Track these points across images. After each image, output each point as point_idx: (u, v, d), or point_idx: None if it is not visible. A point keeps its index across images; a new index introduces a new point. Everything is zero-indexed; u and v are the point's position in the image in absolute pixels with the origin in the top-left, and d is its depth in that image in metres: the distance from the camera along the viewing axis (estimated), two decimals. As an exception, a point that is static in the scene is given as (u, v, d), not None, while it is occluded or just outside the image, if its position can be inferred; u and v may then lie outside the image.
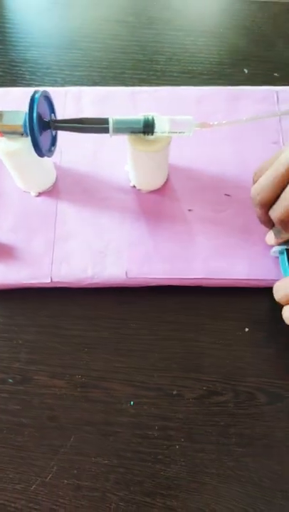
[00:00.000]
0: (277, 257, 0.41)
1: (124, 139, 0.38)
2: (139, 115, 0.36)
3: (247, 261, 0.41)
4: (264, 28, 0.55)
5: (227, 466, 0.36)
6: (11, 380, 0.39)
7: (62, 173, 0.45)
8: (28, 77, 0.51)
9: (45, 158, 0.40)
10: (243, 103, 0.48)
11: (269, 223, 0.39)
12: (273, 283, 0.36)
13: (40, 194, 0.44)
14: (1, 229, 0.42)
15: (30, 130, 0.34)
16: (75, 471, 0.36)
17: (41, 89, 0.36)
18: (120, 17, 0.55)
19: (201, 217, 0.43)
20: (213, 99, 0.48)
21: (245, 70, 0.52)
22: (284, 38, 0.54)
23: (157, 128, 0.36)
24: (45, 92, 0.36)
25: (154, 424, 0.37)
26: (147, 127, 0.35)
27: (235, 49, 0.53)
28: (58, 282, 0.41)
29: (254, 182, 0.38)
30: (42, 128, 0.35)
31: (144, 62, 0.52)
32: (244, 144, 0.46)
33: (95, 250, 0.42)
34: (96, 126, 0.36)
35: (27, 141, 0.35)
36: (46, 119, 0.36)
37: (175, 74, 0.52)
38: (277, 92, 0.48)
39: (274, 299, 0.36)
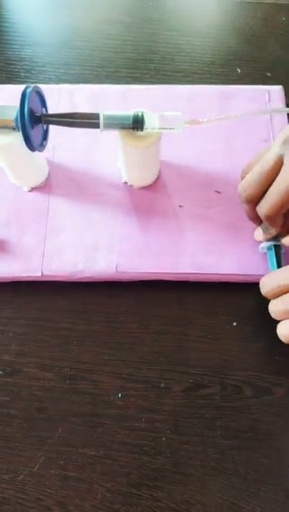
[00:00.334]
0: (266, 253, 0.41)
1: (116, 136, 0.38)
2: (129, 111, 0.37)
3: (235, 256, 0.41)
4: (256, 28, 0.55)
5: (212, 458, 0.36)
6: (0, 372, 0.39)
7: (55, 168, 0.45)
8: (23, 75, 0.52)
9: (38, 153, 0.40)
10: (235, 101, 0.48)
11: (257, 219, 0.39)
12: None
13: (32, 189, 0.44)
14: (-6, 223, 0.43)
15: (21, 124, 0.34)
16: (62, 462, 0.37)
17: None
18: (115, 17, 0.55)
19: (191, 213, 0.43)
20: (205, 98, 0.48)
21: (238, 70, 0.53)
22: (276, 38, 0.55)
23: (147, 124, 0.36)
24: (36, 87, 0.36)
25: (141, 416, 0.38)
26: (136, 123, 0.36)
27: (228, 49, 0.54)
28: (48, 276, 0.41)
29: (242, 179, 0.38)
30: (33, 122, 0.36)
31: (137, 61, 0.53)
32: (235, 143, 0.46)
33: (86, 245, 0.42)
34: (87, 121, 0.36)
35: (19, 136, 0.36)
36: (38, 113, 0.37)
37: (168, 73, 0.52)
38: (268, 91, 0.49)
39: (262, 294, 0.37)
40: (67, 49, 0.53)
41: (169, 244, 0.42)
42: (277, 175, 0.35)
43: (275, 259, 0.39)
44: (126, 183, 0.44)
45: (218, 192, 0.44)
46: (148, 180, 0.44)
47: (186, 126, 0.37)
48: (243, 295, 0.42)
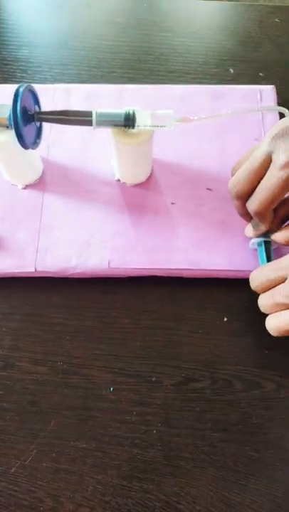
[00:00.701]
0: (256, 249, 0.42)
1: (110, 135, 0.39)
2: (121, 109, 0.37)
3: (226, 253, 0.42)
4: (250, 29, 0.56)
5: (202, 451, 0.37)
6: (-6, 366, 0.40)
7: (49, 166, 0.46)
8: (19, 75, 0.53)
9: (32, 151, 0.41)
10: (227, 101, 0.49)
11: (247, 216, 0.40)
12: (252, 274, 0.38)
13: (27, 187, 0.45)
14: (-12, 220, 0.44)
15: (14, 122, 0.35)
16: (54, 455, 0.37)
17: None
18: (109, 18, 0.56)
19: (183, 210, 0.44)
20: (198, 97, 0.49)
21: (231, 70, 0.53)
22: (270, 39, 0.55)
23: (139, 122, 0.37)
24: (29, 86, 0.37)
25: (132, 409, 0.38)
26: (128, 120, 0.36)
27: (222, 50, 0.55)
28: (42, 272, 0.42)
29: (232, 176, 0.39)
30: (26, 121, 0.37)
31: (132, 62, 0.54)
32: (227, 141, 0.47)
33: (79, 241, 0.43)
34: (80, 118, 0.37)
35: (12, 134, 0.37)
36: (31, 112, 0.38)
37: (162, 73, 0.53)
38: (260, 91, 0.49)
39: (252, 290, 0.37)
40: (63, 49, 0.54)
41: (161, 241, 0.43)
42: (266, 171, 0.35)
43: (265, 255, 0.40)
44: (119, 180, 0.45)
45: (210, 189, 0.45)
46: (141, 177, 0.45)
47: (177, 124, 0.38)
48: (234, 291, 0.42)
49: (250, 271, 0.39)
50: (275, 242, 0.39)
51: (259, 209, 0.36)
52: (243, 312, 0.41)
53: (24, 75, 0.53)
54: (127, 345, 0.40)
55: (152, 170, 0.45)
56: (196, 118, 0.38)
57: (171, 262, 0.42)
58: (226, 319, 0.41)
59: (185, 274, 0.42)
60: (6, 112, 0.37)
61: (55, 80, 0.52)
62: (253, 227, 0.40)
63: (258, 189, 0.36)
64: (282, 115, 0.47)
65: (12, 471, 0.37)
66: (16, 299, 0.42)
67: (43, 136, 0.42)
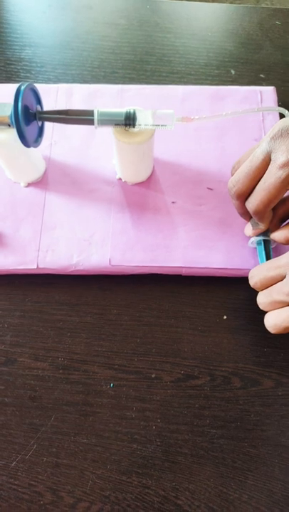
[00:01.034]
0: (255, 248, 0.42)
1: (111, 134, 0.40)
2: (122, 108, 0.38)
3: (226, 251, 0.42)
4: (251, 31, 0.57)
5: (200, 447, 0.37)
6: (-5, 362, 0.40)
7: (51, 165, 0.46)
8: (22, 75, 0.54)
9: (34, 150, 0.42)
10: (228, 101, 0.49)
11: (247, 215, 0.40)
12: (251, 272, 0.38)
13: (29, 185, 0.45)
14: (-9, 217, 0.44)
15: (15, 121, 0.36)
16: (54, 449, 0.37)
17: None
18: (112, 20, 0.57)
19: (183, 209, 0.44)
20: (199, 98, 0.49)
21: (232, 71, 0.54)
22: (270, 41, 0.56)
23: (140, 121, 0.37)
24: (30, 84, 0.37)
25: (131, 405, 0.39)
26: (128, 119, 0.37)
27: (223, 51, 0.55)
28: (43, 269, 0.42)
29: (232, 175, 0.40)
30: (28, 119, 0.37)
31: (134, 63, 0.54)
32: (227, 141, 0.48)
33: (81, 239, 0.43)
34: (81, 117, 0.38)
35: (14, 132, 0.37)
36: (33, 111, 0.38)
37: (164, 74, 0.54)
38: (261, 92, 0.50)
39: (252, 289, 0.37)
40: (66, 50, 0.55)
41: (161, 239, 0.43)
42: (265, 171, 0.36)
43: (264, 254, 0.40)
44: (120, 179, 0.46)
45: (210, 189, 0.45)
46: (142, 176, 0.45)
47: (178, 124, 0.38)
48: (233, 289, 0.43)
49: (250, 269, 0.39)
50: (274, 241, 0.40)
51: (258, 208, 0.37)
52: (242, 310, 0.42)
53: (27, 74, 0.53)
54: (127, 341, 0.41)
55: (153, 169, 0.46)
56: (196, 117, 0.39)
57: (172, 260, 0.42)
58: (225, 317, 0.42)
59: (185, 272, 0.42)
60: (8, 110, 0.37)
61: (58, 80, 0.53)
62: (252, 226, 0.40)
63: (257, 188, 0.36)
64: (282, 116, 0.48)
65: (12, 465, 0.37)
66: (18, 295, 0.43)
67: (45, 135, 0.42)
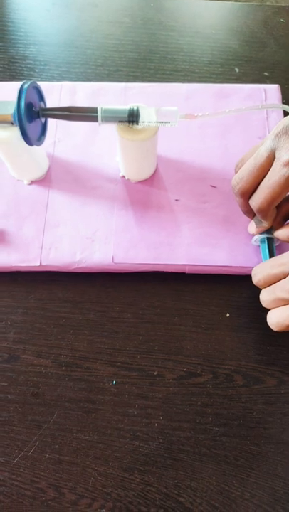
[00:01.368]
0: (259, 246, 0.42)
1: (114, 131, 0.40)
2: (126, 105, 0.38)
3: (229, 249, 0.42)
4: (255, 29, 0.56)
5: (203, 445, 0.37)
6: (-2, 358, 0.40)
7: (54, 162, 0.47)
8: (26, 73, 0.54)
9: (37, 148, 0.42)
10: (232, 99, 0.49)
11: (250, 213, 0.40)
12: (254, 270, 0.38)
13: (32, 182, 0.45)
14: (-6, 215, 0.44)
15: (18, 119, 0.36)
16: (57, 446, 0.37)
17: (39, 84, 0.37)
18: (116, 18, 0.57)
19: (187, 206, 0.44)
20: (203, 96, 0.49)
21: (236, 69, 0.54)
22: (274, 39, 0.56)
23: (143, 118, 0.37)
24: (33, 82, 0.37)
25: (134, 402, 0.39)
26: (132, 116, 0.37)
27: (227, 49, 0.55)
28: (46, 266, 0.42)
29: (236, 172, 0.39)
30: (31, 117, 0.37)
31: (138, 61, 0.54)
32: (231, 139, 0.47)
33: (84, 236, 0.43)
34: (85, 114, 0.38)
35: (17, 130, 0.37)
36: (36, 109, 0.38)
37: (168, 72, 0.54)
38: (265, 90, 0.50)
39: (255, 287, 0.37)
40: (69, 48, 0.55)
41: (164, 237, 0.43)
42: (269, 169, 0.36)
43: (267, 252, 0.40)
44: (124, 177, 0.46)
45: (214, 186, 0.45)
46: (145, 174, 0.45)
47: (181, 121, 0.38)
48: (236, 287, 0.42)
49: (253, 267, 0.39)
50: (278, 239, 0.39)
51: (262, 206, 0.37)
52: (245, 308, 0.42)
53: (31, 72, 0.53)
54: (130, 339, 0.41)
55: (157, 167, 0.46)
56: (200, 114, 0.38)
57: (175, 258, 0.42)
58: (228, 315, 0.42)
59: (188, 270, 0.42)
60: (11, 108, 0.37)
61: (61, 78, 0.53)
62: (256, 223, 0.40)
63: (260, 186, 0.36)
64: (286, 113, 0.48)
65: (15, 461, 0.37)
66: (21, 292, 0.43)
67: (49, 133, 0.42)
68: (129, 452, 0.37)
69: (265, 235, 0.40)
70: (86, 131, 0.48)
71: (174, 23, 0.57)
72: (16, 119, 0.36)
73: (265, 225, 0.39)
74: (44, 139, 0.41)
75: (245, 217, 0.41)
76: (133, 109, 0.37)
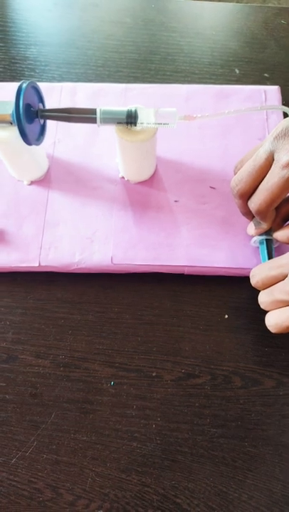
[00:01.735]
0: (258, 247, 0.42)
1: (114, 132, 0.39)
2: (124, 107, 0.38)
3: (228, 250, 0.42)
4: (256, 31, 0.56)
5: (200, 446, 0.37)
6: (-3, 359, 0.41)
7: (54, 163, 0.47)
8: (27, 73, 0.54)
9: (37, 148, 0.42)
10: (232, 101, 0.49)
11: (249, 214, 0.40)
12: (252, 272, 0.38)
13: (32, 183, 0.46)
14: (-6, 215, 0.44)
15: (16, 119, 0.36)
16: (55, 447, 0.37)
17: (39, 85, 0.37)
18: (117, 18, 0.57)
19: (186, 208, 0.44)
20: (203, 97, 0.49)
21: (237, 71, 0.54)
22: (275, 40, 0.56)
23: (142, 119, 0.37)
24: (32, 82, 0.38)
25: (132, 403, 0.39)
26: (130, 118, 0.37)
27: (228, 50, 0.55)
28: (45, 266, 0.42)
29: (235, 174, 0.39)
30: (29, 117, 0.37)
31: (138, 61, 0.54)
32: (231, 140, 0.47)
33: (83, 237, 0.43)
34: (84, 115, 0.38)
35: (15, 130, 0.37)
36: (34, 109, 0.38)
37: (168, 73, 0.54)
38: (265, 91, 0.50)
39: (253, 288, 0.37)
40: (70, 49, 0.55)
41: (163, 238, 0.43)
42: (268, 171, 0.36)
43: (266, 253, 0.40)
44: (123, 177, 0.46)
45: (213, 187, 0.45)
46: (144, 175, 0.45)
47: (181, 122, 0.38)
48: (235, 289, 0.42)
49: (252, 269, 0.39)
50: (277, 241, 0.39)
51: (261, 208, 0.37)
52: (243, 309, 0.42)
53: (32, 73, 0.54)
54: (129, 340, 0.41)
55: (156, 168, 0.46)
56: (198, 116, 0.38)
57: (174, 259, 0.42)
58: (226, 316, 0.42)
59: (187, 271, 0.42)
60: (10, 108, 0.37)
61: (62, 78, 0.53)
62: (255, 225, 0.40)
63: (259, 188, 0.36)
64: (286, 115, 0.48)
65: (13, 461, 0.37)
66: (20, 292, 0.43)
67: (49, 134, 0.42)
68: (127, 453, 0.37)
69: (264, 237, 0.40)
70: (86, 132, 0.48)
71: (175, 24, 0.57)
72: (15, 118, 0.36)
73: (264, 226, 0.39)
74: (43, 138, 0.41)
75: (245, 219, 0.41)
76: (131, 111, 0.37)
